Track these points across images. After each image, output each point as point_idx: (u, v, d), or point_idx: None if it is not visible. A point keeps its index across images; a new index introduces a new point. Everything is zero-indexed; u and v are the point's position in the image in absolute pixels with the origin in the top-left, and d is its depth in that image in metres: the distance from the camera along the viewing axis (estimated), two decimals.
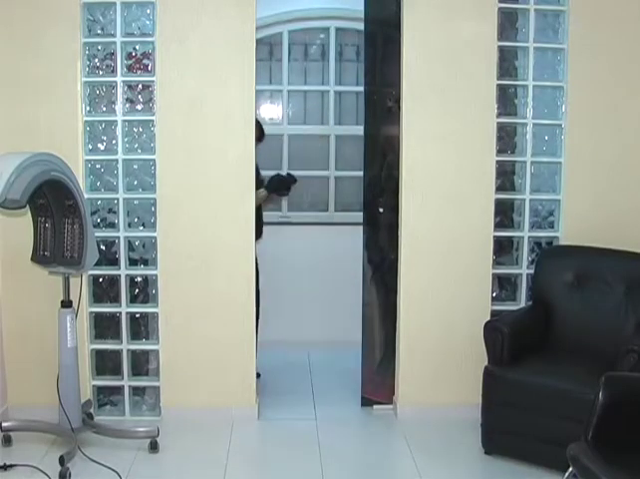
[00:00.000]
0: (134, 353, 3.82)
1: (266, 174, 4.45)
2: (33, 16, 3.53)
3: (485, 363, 3.39)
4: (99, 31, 3.64)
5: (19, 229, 3.51)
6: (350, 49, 5.21)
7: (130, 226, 3.75)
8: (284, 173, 4.54)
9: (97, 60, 3.66)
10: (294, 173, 5.10)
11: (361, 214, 4.05)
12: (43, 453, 3.32)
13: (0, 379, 3.67)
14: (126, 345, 3.78)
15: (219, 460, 3.33)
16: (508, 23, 3.77)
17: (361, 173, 4.11)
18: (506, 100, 3.81)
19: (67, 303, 3.34)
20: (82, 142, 3.63)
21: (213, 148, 3.66)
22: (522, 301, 3.87)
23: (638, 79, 3.74)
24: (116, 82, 3.64)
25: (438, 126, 3.71)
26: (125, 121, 3.67)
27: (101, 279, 3.77)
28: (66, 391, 3.33)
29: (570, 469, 2.48)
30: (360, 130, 4.14)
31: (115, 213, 3.72)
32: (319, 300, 4.63)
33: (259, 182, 4.27)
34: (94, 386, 3.78)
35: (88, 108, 3.66)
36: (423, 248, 3.76)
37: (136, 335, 3.82)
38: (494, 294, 3.87)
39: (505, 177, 3.85)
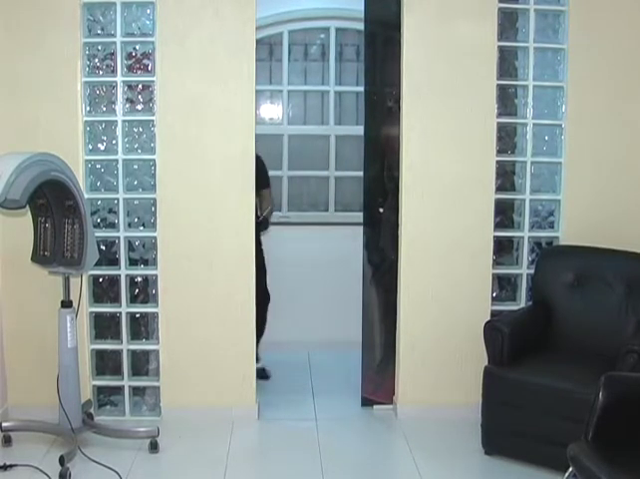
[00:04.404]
0: (134, 353, 3.82)
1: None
2: (33, 16, 3.53)
3: (485, 363, 3.39)
4: (99, 31, 3.64)
5: (19, 229, 3.51)
6: (350, 49, 5.21)
7: (130, 226, 3.75)
8: None
9: (97, 60, 3.66)
10: (294, 173, 5.11)
11: (361, 214, 4.04)
12: (43, 453, 3.32)
13: (0, 379, 3.67)
14: (126, 345, 3.78)
15: (219, 460, 3.33)
16: (508, 23, 3.77)
17: (361, 173, 4.11)
18: (506, 100, 3.81)
19: (67, 303, 3.34)
20: (82, 142, 3.63)
21: (213, 148, 3.66)
22: (522, 301, 3.87)
23: (638, 79, 3.74)
24: (116, 82, 3.64)
25: (438, 126, 3.71)
26: (125, 121, 3.67)
27: (101, 279, 3.77)
28: (66, 391, 3.33)
29: (570, 469, 2.48)
30: (360, 130, 4.14)
31: (115, 213, 3.72)
32: (319, 300, 4.63)
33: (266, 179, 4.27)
34: (94, 386, 3.78)
35: (88, 108, 3.66)
36: (423, 248, 3.76)
37: (136, 335, 3.82)
38: (494, 294, 3.86)
39: (505, 177, 3.85)
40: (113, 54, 3.63)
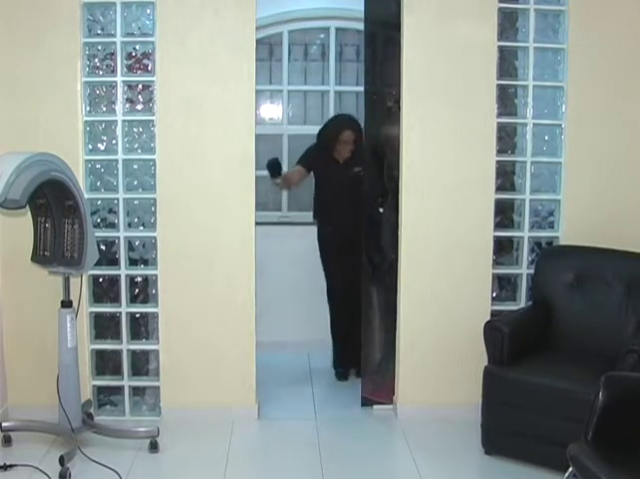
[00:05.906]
0: (134, 353, 3.82)
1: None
2: (33, 16, 3.53)
3: (485, 363, 3.40)
4: (99, 31, 3.64)
5: (19, 229, 3.50)
6: (350, 49, 5.21)
7: (130, 226, 3.75)
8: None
9: (97, 60, 3.66)
10: None
11: None
12: (43, 453, 3.31)
13: (0, 379, 3.67)
14: (126, 345, 3.78)
15: (219, 460, 3.33)
16: (508, 23, 3.77)
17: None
18: (506, 100, 3.81)
19: (67, 303, 3.34)
20: (82, 142, 3.63)
21: (213, 148, 3.66)
22: (522, 301, 3.87)
23: (638, 79, 3.74)
24: (116, 82, 3.64)
25: (438, 126, 3.71)
26: (125, 121, 3.67)
27: (101, 279, 3.77)
28: (66, 391, 3.33)
29: (570, 469, 2.48)
30: None
31: (115, 213, 3.72)
32: (319, 300, 4.62)
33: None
34: (94, 386, 3.78)
35: (88, 108, 3.66)
36: (423, 248, 3.76)
37: (136, 335, 3.82)
38: (494, 294, 3.87)
39: (505, 177, 3.85)
40: (113, 54, 3.63)
